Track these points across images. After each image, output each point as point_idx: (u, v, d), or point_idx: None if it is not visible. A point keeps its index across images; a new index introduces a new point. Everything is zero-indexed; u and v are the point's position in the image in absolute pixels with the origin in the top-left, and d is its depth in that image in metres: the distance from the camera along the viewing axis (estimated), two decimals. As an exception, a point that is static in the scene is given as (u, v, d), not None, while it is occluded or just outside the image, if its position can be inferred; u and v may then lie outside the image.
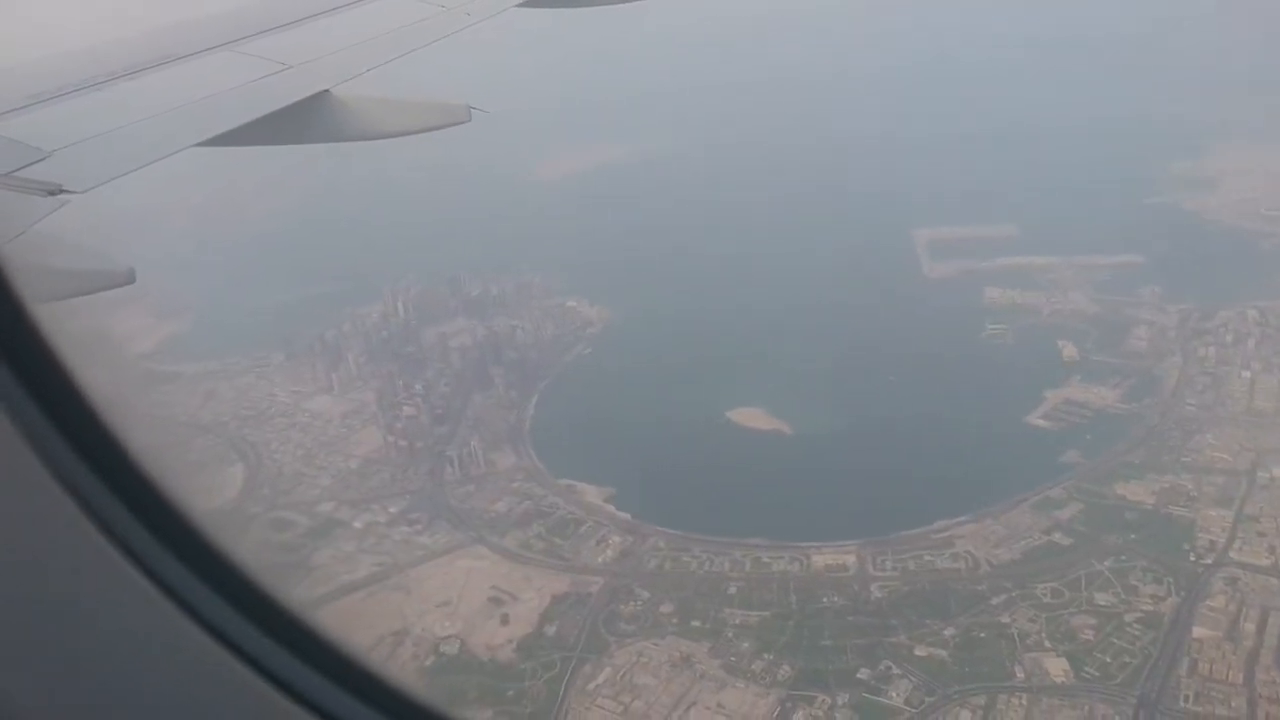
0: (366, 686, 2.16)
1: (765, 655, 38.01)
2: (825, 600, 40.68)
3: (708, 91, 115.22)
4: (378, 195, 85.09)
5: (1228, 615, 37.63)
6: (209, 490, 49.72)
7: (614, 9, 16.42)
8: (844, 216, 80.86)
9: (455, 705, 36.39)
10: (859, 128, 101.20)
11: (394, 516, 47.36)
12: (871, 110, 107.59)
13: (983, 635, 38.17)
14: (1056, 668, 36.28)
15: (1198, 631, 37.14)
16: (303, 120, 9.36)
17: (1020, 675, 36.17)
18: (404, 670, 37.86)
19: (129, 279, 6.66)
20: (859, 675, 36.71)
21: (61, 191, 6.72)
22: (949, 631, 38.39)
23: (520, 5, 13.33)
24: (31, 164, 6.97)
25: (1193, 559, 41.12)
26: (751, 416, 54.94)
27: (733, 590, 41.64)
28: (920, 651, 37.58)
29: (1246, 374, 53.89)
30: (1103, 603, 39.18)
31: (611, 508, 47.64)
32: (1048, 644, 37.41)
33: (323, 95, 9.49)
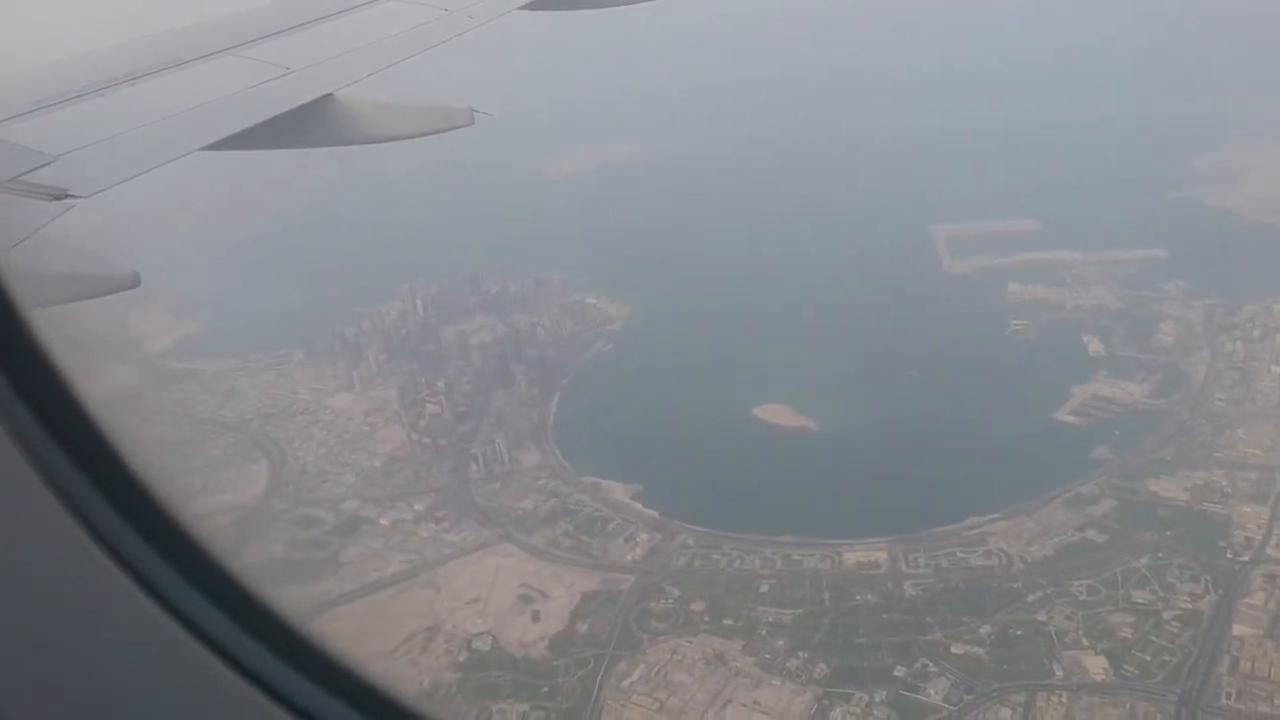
0: (361, 695, 2.11)
1: (800, 653, 37.70)
2: (858, 598, 40.34)
3: (720, 91, 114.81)
4: (384, 198, 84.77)
5: (1268, 613, 37.21)
6: (234, 486, 49.84)
7: (617, 11, 16.38)
8: (862, 213, 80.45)
9: (489, 701, 36.24)
10: (875, 125, 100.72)
11: (420, 514, 47.15)
12: (888, 108, 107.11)
13: (1019, 633, 37.81)
14: (1096, 666, 35.93)
15: (1238, 629, 36.74)
16: (306, 124, 9.38)
17: (1059, 673, 35.81)
18: (437, 667, 37.68)
19: (134, 282, 6.65)
20: (895, 673, 36.39)
21: (66, 196, 6.72)
22: (985, 629, 38.04)
23: (523, 8, 13.26)
24: (36, 169, 6.97)
25: (1229, 556, 40.70)
26: (776, 413, 54.62)
27: (764, 588, 41.34)
28: (957, 649, 37.25)
29: (1277, 369, 53.42)
30: (1140, 600, 38.81)
31: (639, 505, 47.38)
32: (1085, 642, 37.05)
33: (326, 99, 9.51)
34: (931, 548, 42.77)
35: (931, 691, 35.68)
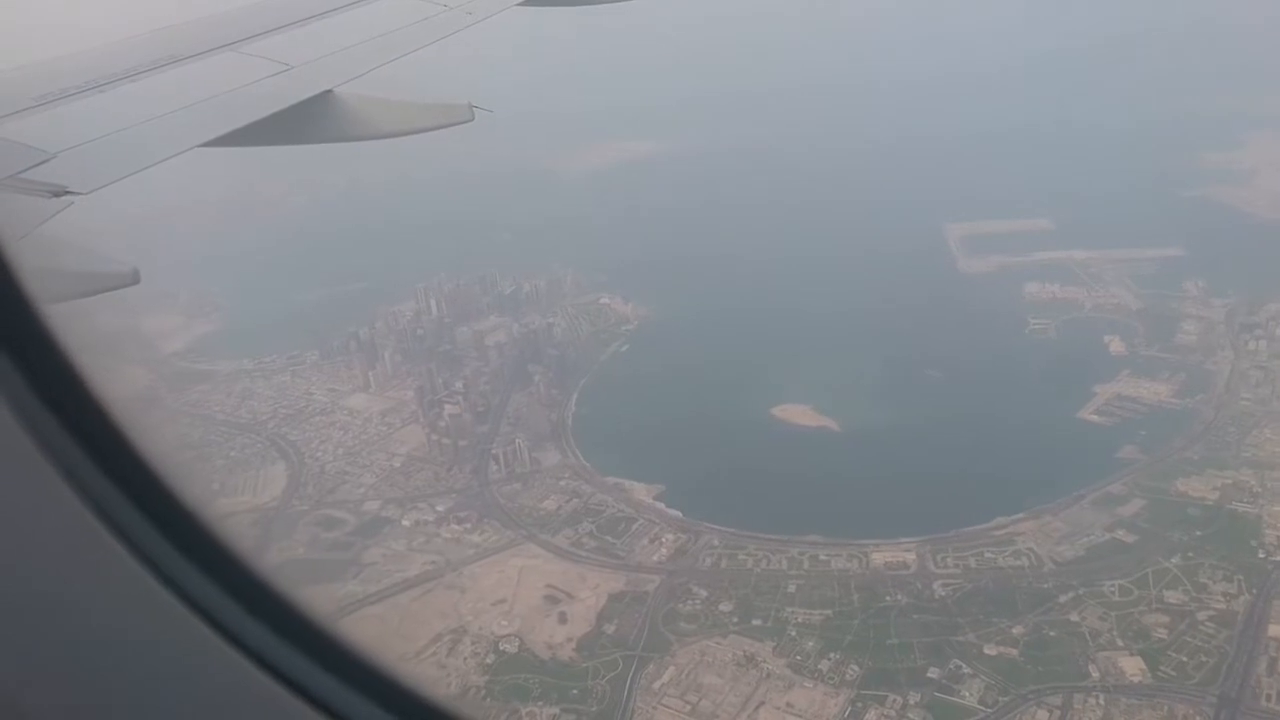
0: (383, 689, 2.07)
1: (831, 654, 37.34)
2: (888, 598, 39.97)
3: (721, 90, 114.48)
4: (386, 195, 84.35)
5: (1304, 613, 36.89)
6: (252, 488, 49.41)
7: (614, 7, 16.16)
8: (877, 212, 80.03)
9: (519, 703, 35.81)
10: (889, 128, 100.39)
11: (442, 515, 46.73)
12: (905, 109, 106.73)
13: (1053, 634, 37.44)
14: (1132, 667, 35.56)
15: (1274, 630, 36.40)
16: (306, 120, 9.35)
17: (1095, 675, 35.43)
18: (465, 669, 37.25)
19: (134, 279, 6.55)
20: (929, 674, 36.03)
21: (66, 193, 6.67)
22: (1018, 630, 37.68)
23: (521, 4, 13.24)
24: (36, 165, 6.91)
25: (1261, 555, 40.39)
26: (797, 413, 54.23)
27: (792, 588, 40.97)
28: (990, 650, 36.89)
29: (1301, 368, 53.16)
30: (1173, 601, 38.45)
31: (662, 505, 46.99)
32: (1120, 643, 36.70)
33: (326, 95, 9.51)
34: (960, 548, 42.41)
35: (966, 693, 35.31)
